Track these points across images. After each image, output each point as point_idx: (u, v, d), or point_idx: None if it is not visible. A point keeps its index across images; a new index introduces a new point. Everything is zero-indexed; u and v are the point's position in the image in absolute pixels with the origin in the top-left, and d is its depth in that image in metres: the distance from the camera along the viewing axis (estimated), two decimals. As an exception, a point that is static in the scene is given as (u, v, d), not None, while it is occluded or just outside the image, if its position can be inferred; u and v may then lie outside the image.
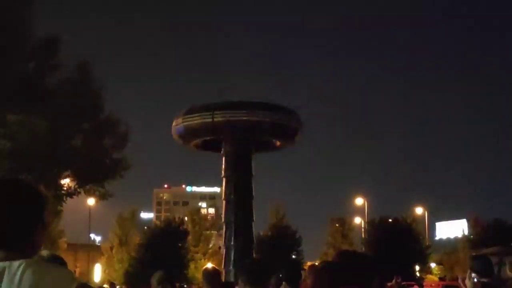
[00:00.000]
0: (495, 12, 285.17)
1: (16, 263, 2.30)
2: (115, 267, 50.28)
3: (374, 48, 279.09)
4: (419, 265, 49.33)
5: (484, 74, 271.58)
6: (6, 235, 2.36)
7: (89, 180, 24.98)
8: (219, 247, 48.86)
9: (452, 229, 66.93)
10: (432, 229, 71.38)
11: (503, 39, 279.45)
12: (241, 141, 30.89)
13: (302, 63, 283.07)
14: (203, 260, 50.80)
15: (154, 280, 8.43)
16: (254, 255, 31.69)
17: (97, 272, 55.41)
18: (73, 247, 53.93)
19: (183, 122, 32.21)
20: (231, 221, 31.35)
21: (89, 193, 26.59)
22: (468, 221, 57.12)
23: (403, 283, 26.39)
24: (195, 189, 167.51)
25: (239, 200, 31.20)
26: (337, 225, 57.33)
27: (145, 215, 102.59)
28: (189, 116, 31.99)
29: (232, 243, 31.06)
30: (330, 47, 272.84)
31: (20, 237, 2.37)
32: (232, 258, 30.63)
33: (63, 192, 24.49)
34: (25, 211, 2.39)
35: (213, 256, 52.36)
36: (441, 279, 49.98)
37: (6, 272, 2.29)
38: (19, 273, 2.28)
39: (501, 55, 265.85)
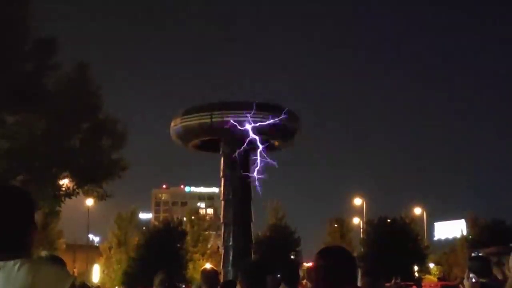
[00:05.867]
0: (495, 11, 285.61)
1: (11, 262, 2.35)
2: (113, 268, 50.29)
3: (374, 48, 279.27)
4: (417, 265, 49.39)
5: (484, 74, 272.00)
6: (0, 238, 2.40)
7: (87, 180, 24.94)
8: (218, 247, 48.90)
9: (450, 229, 67.00)
10: (431, 229, 71.57)
11: (503, 38, 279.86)
12: (239, 142, 30.91)
13: (301, 63, 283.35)
14: (201, 260, 50.81)
15: (156, 281, 8.46)
16: (253, 255, 31.72)
17: (96, 273, 55.39)
18: (72, 248, 53.87)
19: (181, 122, 32.26)
20: (230, 221, 31.38)
21: (87, 194, 26.54)
22: (466, 221, 57.21)
23: (402, 283, 26.44)
24: (193, 189, 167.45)
25: (238, 201, 31.23)
26: (335, 225, 57.40)
27: (144, 216, 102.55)
28: (187, 116, 32.05)
29: (230, 243, 31.09)
30: (331, 47, 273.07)
31: (13, 239, 2.42)
32: (231, 259, 30.66)
33: (61, 192, 24.44)
34: (16, 215, 2.45)
35: (211, 256, 52.38)
36: (440, 279, 50.07)
37: (1, 271, 2.33)
38: (15, 271, 2.33)
39: (502, 55, 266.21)
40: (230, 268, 30.20)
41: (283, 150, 37.59)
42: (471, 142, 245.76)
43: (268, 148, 34.56)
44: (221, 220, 32.69)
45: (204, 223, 57.56)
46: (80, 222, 55.26)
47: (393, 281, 22.00)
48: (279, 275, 6.73)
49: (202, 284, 7.34)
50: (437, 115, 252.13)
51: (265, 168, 31.02)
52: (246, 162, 31.65)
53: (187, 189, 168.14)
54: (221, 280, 17.12)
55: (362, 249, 49.83)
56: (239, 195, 31.22)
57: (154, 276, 8.83)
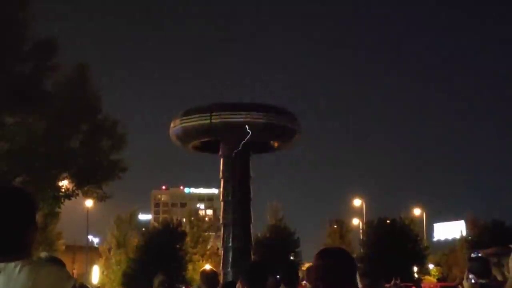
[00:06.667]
0: (495, 11, 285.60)
1: (12, 264, 2.34)
2: (113, 269, 50.27)
3: (374, 48, 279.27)
4: (417, 266, 49.37)
5: (484, 74, 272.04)
6: (0, 239, 2.39)
7: (87, 181, 24.94)
8: (217, 248, 48.88)
9: (450, 230, 66.97)
10: (430, 230, 71.44)
11: (503, 38, 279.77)
12: (239, 142, 30.89)
13: (301, 63, 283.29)
14: (201, 261, 50.84)
15: (155, 282, 8.46)
16: (252, 256, 31.68)
17: (95, 274, 55.37)
18: (71, 249, 53.86)
19: (181, 123, 32.22)
20: (229, 222, 31.35)
21: (87, 195, 26.55)
22: (466, 222, 57.17)
23: (401, 284, 26.41)
24: (193, 190, 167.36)
25: (237, 202, 31.19)
26: (335, 226, 57.41)
27: (143, 217, 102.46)
28: (187, 117, 32.01)
29: (230, 244, 31.05)
30: (331, 47, 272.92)
31: (14, 240, 2.42)
32: (230, 260, 30.62)
33: (61, 193, 24.43)
34: (17, 215, 2.44)
35: (211, 257, 52.39)
36: (439, 280, 50.08)
37: (2, 273, 2.32)
38: (16, 272, 2.32)
39: (502, 55, 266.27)
40: (229, 269, 30.16)
41: (283, 151, 37.58)
42: (471, 142, 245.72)
43: (268, 149, 34.56)
44: (221, 221, 32.65)
45: (203, 224, 57.56)
46: (79, 223, 55.12)
47: (392, 282, 21.96)
48: (278, 276, 6.73)
49: (202, 285, 7.34)
50: (437, 115, 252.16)
51: (265, 169, 31.03)
52: (245, 163, 31.64)
53: (186, 190, 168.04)
54: (221, 281, 17.11)
55: (361, 250, 49.81)
56: (238, 196, 31.19)
57: (153, 278, 8.83)
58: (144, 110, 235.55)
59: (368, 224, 52.34)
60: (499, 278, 6.30)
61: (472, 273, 5.91)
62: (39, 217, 33.23)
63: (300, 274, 15.08)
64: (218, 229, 39.37)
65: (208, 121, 31.10)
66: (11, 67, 21.86)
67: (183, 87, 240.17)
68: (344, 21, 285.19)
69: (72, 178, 24.65)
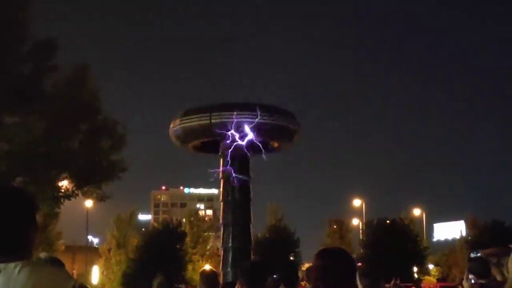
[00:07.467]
0: (495, 11, 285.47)
1: (12, 264, 2.33)
2: (113, 269, 50.23)
3: (374, 48, 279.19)
4: (417, 267, 49.36)
5: (484, 74, 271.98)
6: (0, 239, 2.39)
7: (86, 182, 24.93)
8: (217, 249, 48.88)
9: (450, 230, 67.01)
10: (430, 230, 71.47)
11: (503, 38, 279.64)
12: (239, 143, 30.88)
13: (301, 63, 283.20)
14: (201, 261, 50.78)
15: (155, 283, 8.46)
16: (252, 256, 31.68)
17: (95, 274, 55.32)
18: (71, 249, 53.84)
19: (180, 123, 32.24)
20: (229, 222, 31.37)
21: (86, 195, 26.53)
22: (466, 222, 57.16)
23: (401, 284, 26.41)
24: (193, 190, 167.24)
25: (237, 202, 31.21)
26: (335, 226, 57.37)
27: (143, 217, 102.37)
28: (187, 117, 32.04)
29: (230, 244, 31.07)
30: (331, 47, 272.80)
31: (14, 240, 2.42)
32: (230, 260, 30.64)
33: (60, 194, 24.42)
34: (17, 215, 2.44)
35: (211, 257, 52.34)
36: (439, 280, 50.07)
37: (2, 273, 2.32)
38: (15, 273, 2.32)
39: (502, 55, 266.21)
40: (229, 269, 30.17)
41: (283, 151, 37.58)
42: (471, 142, 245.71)
43: (268, 150, 34.55)
44: (221, 221, 32.67)
45: (203, 225, 57.49)
46: (79, 223, 55.15)
47: (392, 282, 21.94)
48: (275, 276, 6.72)
49: (202, 286, 7.34)
50: (437, 115, 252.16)
51: (264, 169, 31.05)
52: (245, 163, 31.66)
53: (186, 190, 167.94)
54: (221, 282, 17.10)
55: (361, 250, 49.80)
56: (238, 197, 31.21)
57: (153, 278, 8.83)
58: (144, 110, 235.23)
59: (368, 224, 52.31)
60: (499, 278, 6.30)
61: (472, 273, 5.92)
62: (39, 217, 33.20)
63: (300, 274, 15.06)
64: (218, 229, 39.33)
65: (208, 121, 31.11)
66: (11, 67, 21.86)
67: (183, 87, 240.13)
68: (344, 21, 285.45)
69: (72, 178, 24.64)
